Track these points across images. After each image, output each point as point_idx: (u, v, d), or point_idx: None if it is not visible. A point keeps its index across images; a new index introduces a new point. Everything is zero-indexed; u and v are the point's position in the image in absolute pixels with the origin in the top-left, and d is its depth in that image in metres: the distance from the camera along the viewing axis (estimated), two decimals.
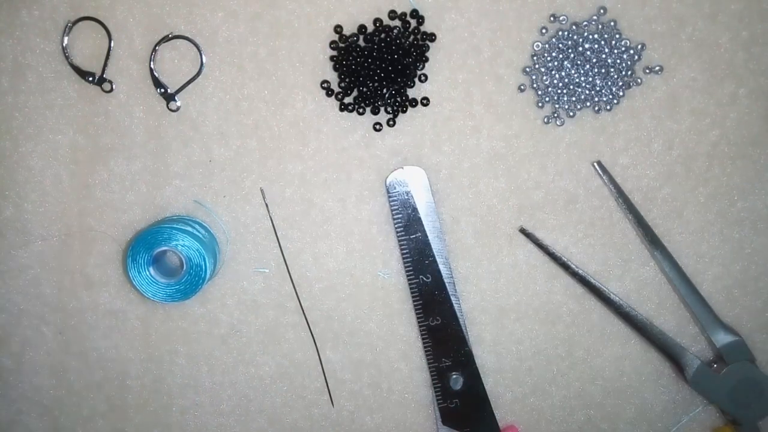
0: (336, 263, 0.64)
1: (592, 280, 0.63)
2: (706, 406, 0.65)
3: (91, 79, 0.61)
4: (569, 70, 0.62)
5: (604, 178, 0.62)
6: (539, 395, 0.66)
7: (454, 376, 0.63)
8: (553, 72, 0.62)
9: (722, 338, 0.62)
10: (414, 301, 0.63)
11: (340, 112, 0.62)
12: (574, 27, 0.62)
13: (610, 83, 0.62)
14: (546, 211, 0.64)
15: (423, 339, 0.64)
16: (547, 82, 0.62)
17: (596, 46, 0.61)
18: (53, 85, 0.62)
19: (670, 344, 0.63)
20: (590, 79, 0.62)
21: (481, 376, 0.64)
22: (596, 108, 0.62)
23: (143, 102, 0.62)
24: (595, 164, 0.63)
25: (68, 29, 0.61)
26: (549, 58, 0.62)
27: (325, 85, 0.62)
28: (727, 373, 0.62)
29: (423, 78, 0.62)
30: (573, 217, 0.64)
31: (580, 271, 0.63)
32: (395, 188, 0.62)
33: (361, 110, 0.62)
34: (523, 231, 0.63)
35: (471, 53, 0.62)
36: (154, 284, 0.59)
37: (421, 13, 0.61)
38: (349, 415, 0.66)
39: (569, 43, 0.62)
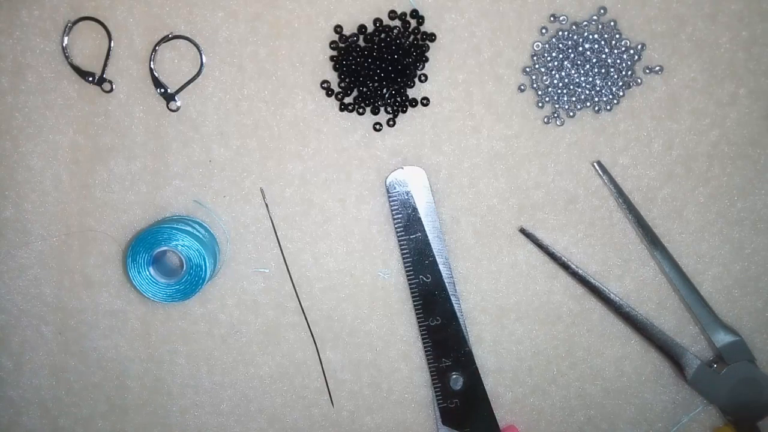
0: (336, 263, 0.64)
1: (592, 280, 0.63)
2: (706, 407, 0.65)
3: (91, 79, 0.61)
4: (569, 70, 0.62)
5: (604, 178, 0.62)
6: (539, 395, 0.66)
7: (454, 376, 0.63)
8: (553, 72, 0.62)
9: (722, 338, 0.62)
10: (414, 301, 0.63)
11: (340, 112, 0.62)
12: (574, 27, 0.62)
13: (610, 83, 0.62)
14: (546, 211, 0.64)
15: (423, 339, 0.64)
16: (547, 82, 0.62)
17: (596, 46, 0.61)
18: (53, 85, 0.62)
19: (670, 344, 0.63)
20: (590, 79, 0.62)
21: (481, 376, 0.64)
22: (596, 108, 0.62)
23: (143, 102, 0.62)
24: (595, 164, 0.63)
25: (68, 29, 0.61)
26: (549, 58, 0.62)
27: (325, 85, 0.62)
28: (727, 373, 0.62)
29: (423, 78, 0.62)
30: (573, 217, 0.64)
31: (580, 271, 0.63)
32: (395, 188, 0.62)
33: (361, 110, 0.62)
34: (523, 231, 0.63)
35: (471, 53, 0.62)
36: (154, 284, 0.59)
37: (421, 13, 0.61)
38: (349, 415, 0.66)
39: (569, 43, 0.62)
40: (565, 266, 0.63)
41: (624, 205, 0.62)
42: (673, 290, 0.64)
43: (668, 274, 0.63)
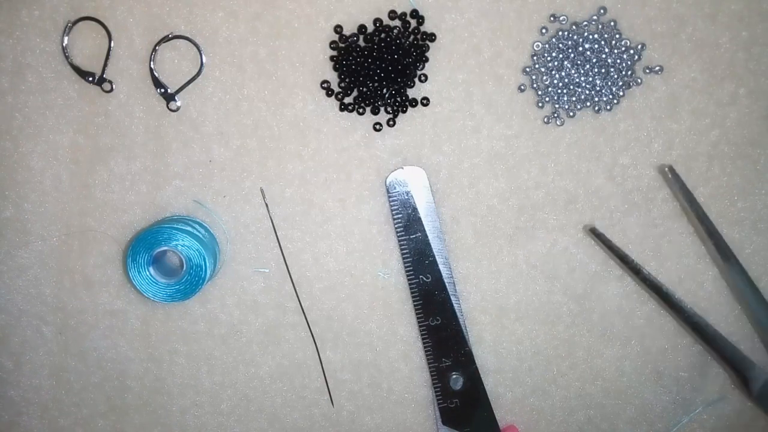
0: (336, 263, 0.64)
1: (664, 288, 0.60)
2: (706, 407, 0.65)
3: (91, 79, 0.61)
4: (569, 70, 0.62)
5: (675, 185, 0.59)
6: (539, 395, 0.66)
7: (454, 376, 0.63)
8: (553, 72, 0.62)
9: None
10: (414, 301, 0.63)
11: (340, 112, 0.62)
12: (574, 27, 0.62)
13: (610, 83, 0.62)
14: (546, 211, 0.64)
15: (423, 339, 0.64)
16: (547, 82, 0.62)
17: (596, 46, 0.61)
18: (53, 85, 0.62)
19: (738, 357, 0.60)
20: (590, 79, 0.62)
21: (481, 376, 0.64)
22: (596, 108, 0.62)
23: (143, 102, 0.62)
24: (667, 169, 0.60)
25: (68, 29, 0.61)
26: (549, 58, 0.62)
27: (325, 85, 0.62)
28: None
29: (423, 78, 0.62)
30: (573, 217, 0.64)
31: (653, 278, 0.60)
32: (395, 188, 0.62)
33: (361, 110, 0.62)
34: (593, 231, 0.61)
35: (471, 53, 0.62)
36: (154, 284, 0.59)
37: (421, 13, 0.61)
38: (349, 415, 0.66)
39: (569, 43, 0.62)
40: (636, 271, 0.60)
41: (694, 215, 0.59)
42: (741, 306, 0.62)
43: (739, 289, 0.60)
